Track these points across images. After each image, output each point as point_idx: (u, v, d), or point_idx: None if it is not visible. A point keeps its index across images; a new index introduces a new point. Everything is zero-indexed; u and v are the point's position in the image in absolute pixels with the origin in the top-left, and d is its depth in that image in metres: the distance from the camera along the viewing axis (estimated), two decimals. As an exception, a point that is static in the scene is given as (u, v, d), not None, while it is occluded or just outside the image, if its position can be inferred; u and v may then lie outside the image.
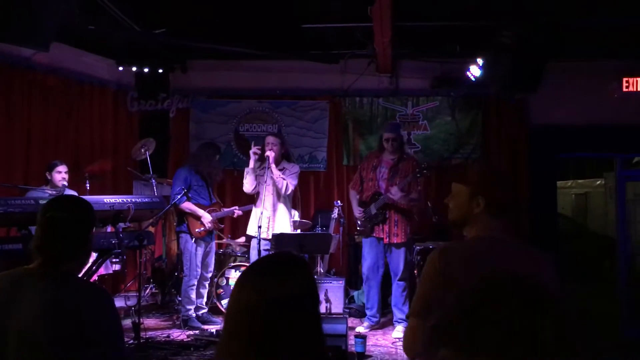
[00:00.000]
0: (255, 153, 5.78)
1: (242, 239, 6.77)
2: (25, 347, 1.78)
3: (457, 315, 1.18)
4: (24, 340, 1.78)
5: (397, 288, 5.81)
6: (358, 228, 6.04)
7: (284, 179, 5.68)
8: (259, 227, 5.31)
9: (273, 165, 5.63)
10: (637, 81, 7.12)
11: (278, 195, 5.78)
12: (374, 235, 5.81)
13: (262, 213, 5.38)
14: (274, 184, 5.72)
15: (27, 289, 1.85)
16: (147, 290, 7.05)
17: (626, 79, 7.17)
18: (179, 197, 5.75)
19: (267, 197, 5.65)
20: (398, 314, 5.79)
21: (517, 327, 1.09)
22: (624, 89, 7.19)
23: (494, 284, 1.21)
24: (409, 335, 2.01)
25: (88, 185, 6.30)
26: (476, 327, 1.13)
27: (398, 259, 5.80)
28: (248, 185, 5.82)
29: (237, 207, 6.25)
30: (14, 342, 1.79)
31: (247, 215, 6.11)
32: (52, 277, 1.88)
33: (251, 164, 5.83)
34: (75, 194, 5.35)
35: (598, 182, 10.03)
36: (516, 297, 1.15)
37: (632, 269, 7.46)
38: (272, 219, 5.72)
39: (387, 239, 5.77)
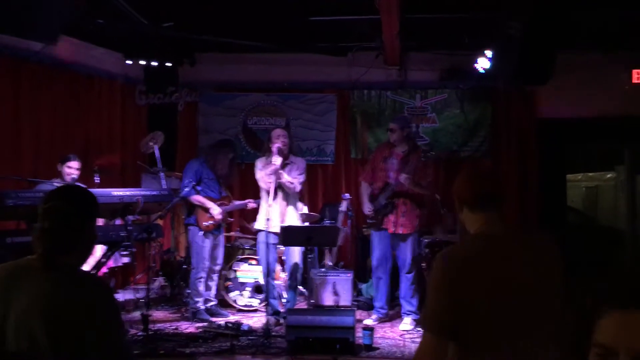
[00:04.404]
0: (279, 148, 5.54)
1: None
2: (23, 338, 1.77)
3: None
4: (21, 331, 1.77)
5: (406, 281, 5.79)
6: (368, 221, 6.02)
7: (292, 183, 5.63)
8: (268, 219, 5.29)
9: (282, 172, 5.53)
10: (647, 73, 7.06)
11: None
12: (383, 227, 5.79)
13: (270, 206, 5.36)
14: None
15: (26, 280, 1.83)
16: (157, 283, 7.08)
17: (636, 70, 7.12)
18: (187, 190, 5.76)
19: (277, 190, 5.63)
20: (406, 307, 5.78)
21: None
22: (634, 81, 7.13)
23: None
24: (425, 353, 1.88)
25: (97, 178, 6.33)
26: None
27: (405, 251, 5.77)
28: (268, 183, 5.59)
29: (251, 200, 6.20)
30: (12, 332, 1.78)
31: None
32: (49, 269, 1.84)
33: (275, 162, 5.50)
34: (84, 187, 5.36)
35: (609, 176, 9.93)
36: None
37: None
38: (282, 212, 5.71)
39: (394, 229, 5.73)
